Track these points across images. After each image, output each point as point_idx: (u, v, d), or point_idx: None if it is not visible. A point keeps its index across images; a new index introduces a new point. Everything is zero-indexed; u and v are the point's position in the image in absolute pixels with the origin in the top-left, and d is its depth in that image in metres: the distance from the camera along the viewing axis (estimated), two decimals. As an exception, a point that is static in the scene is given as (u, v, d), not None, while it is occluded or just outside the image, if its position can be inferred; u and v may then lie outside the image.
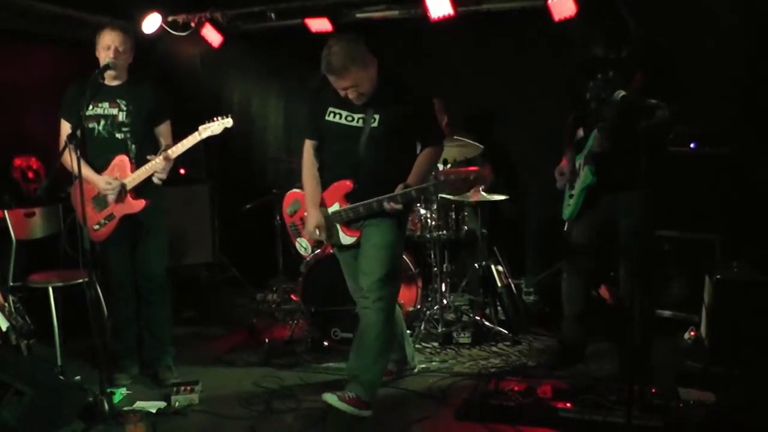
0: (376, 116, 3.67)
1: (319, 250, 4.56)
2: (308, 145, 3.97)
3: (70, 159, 3.82)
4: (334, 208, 3.81)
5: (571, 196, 4.30)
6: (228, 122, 4.25)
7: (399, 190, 3.60)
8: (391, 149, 3.68)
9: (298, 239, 4.21)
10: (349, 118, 3.72)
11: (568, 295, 4.48)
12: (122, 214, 4.25)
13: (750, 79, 5.15)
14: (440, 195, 4.99)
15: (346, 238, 3.85)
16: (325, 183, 3.87)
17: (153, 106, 4.29)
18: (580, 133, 4.34)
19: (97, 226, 4.27)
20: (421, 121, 3.73)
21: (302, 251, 4.28)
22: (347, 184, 3.75)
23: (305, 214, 3.98)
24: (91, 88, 3.98)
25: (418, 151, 3.82)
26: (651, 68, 3.92)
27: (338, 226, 3.84)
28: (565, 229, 4.44)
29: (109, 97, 4.21)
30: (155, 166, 4.17)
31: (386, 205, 3.61)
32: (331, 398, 3.68)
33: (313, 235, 3.90)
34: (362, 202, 3.70)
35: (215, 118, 4.24)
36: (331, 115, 3.76)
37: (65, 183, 5.15)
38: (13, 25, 5.73)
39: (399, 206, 3.61)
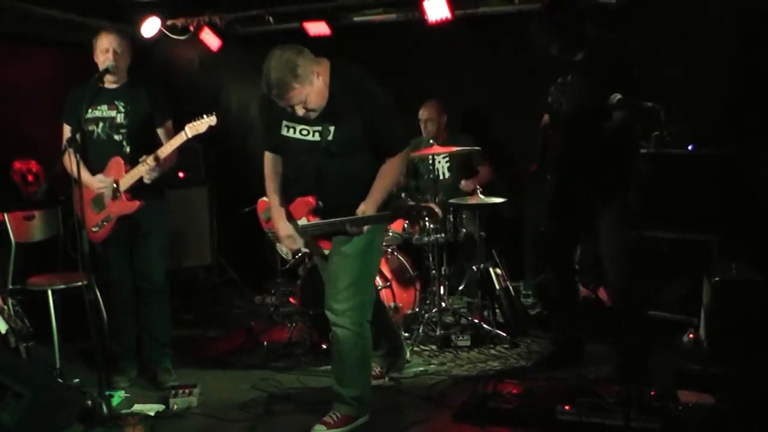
0: (332, 128, 3.43)
1: (299, 255, 4.54)
2: (268, 157, 3.76)
3: (70, 163, 3.82)
4: (302, 221, 3.64)
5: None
6: (212, 120, 4.22)
7: (360, 210, 3.42)
8: (351, 162, 3.48)
9: (278, 245, 4.19)
10: (304, 132, 3.51)
11: (557, 298, 4.52)
12: (118, 215, 4.26)
13: (747, 79, 5.15)
14: (437, 196, 5.03)
15: (320, 248, 3.73)
16: (290, 196, 3.69)
17: (151, 108, 4.30)
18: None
19: (95, 228, 4.28)
20: (380, 129, 3.45)
21: (284, 255, 4.26)
22: (311, 201, 3.58)
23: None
24: (90, 92, 3.99)
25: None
26: (608, 70, 3.95)
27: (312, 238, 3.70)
28: (544, 230, 4.50)
29: (108, 100, 4.23)
30: (145, 167, 4.17)
31: (348, 228, 3.44)
32: (320, 430, 3.61)
33: (290, 246, 3.73)
34: (326, 221, 3.54)
35: (200, 117, 4.22)
36: (286, 129, 3.55)
37: (64, 186, 5.16)
38: (13, 28, 5.74)
39: (357, 230, 3.43)
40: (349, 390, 3.67)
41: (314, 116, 3.41)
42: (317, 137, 3.47)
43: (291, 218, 3.68)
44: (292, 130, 3.53)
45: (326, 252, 3.70)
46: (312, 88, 3.31)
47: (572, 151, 4.12)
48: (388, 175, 3.51)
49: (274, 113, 3.53)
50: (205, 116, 4.22)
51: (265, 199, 4.30)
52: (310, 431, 3.62)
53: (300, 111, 3.34)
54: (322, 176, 3.51)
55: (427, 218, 3.37)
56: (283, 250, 4.13)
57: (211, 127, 4.24)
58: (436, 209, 3.46)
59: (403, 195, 3.46)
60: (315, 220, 3.60)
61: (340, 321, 3.57)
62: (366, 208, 3.43)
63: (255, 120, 5.55)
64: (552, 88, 4.21)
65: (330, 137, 3.44)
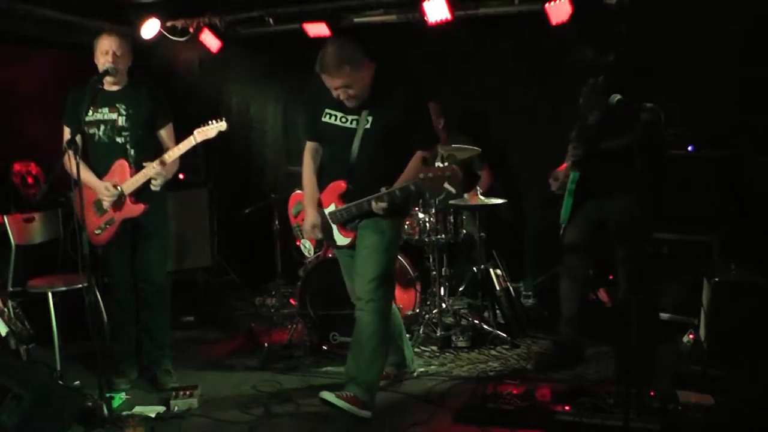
0: (369, 118, 3.72)
1: (320, 252, 4.57)
2: (308, 147, 4.03)
3: (70, 164, 3.83)
4: (331, 208, 3.87)
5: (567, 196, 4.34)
6: (222, 126, 4.24)
7: (383, 190, 3.65)
8: (384, 151, 3.73)
9: (302, 240, 4.24)
10: (344, 120, 3.78)
11: (564, 297, 4.51)
12: (122, 218, 4.26)
13: (747, 81, 5.16)
14: (438, 198, 5.02)
15: (341, 239, 3.90)
16: (323, 184, 3.94)
17: (152, 110, 4.30)
18: None
19: (98, 231, 4.28)
20: (414, 124, 3.74)
21: (305, 252, 4.32)
22: (342, 185, 3.82)
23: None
24: (90, 94, 3.99)
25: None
26: (637, 72, 3.95)
27: (335, 226, 3.89)
28: (561, 232, 4.47)
29: (109, 102, 4.23)
30: (152, 171, 4.18)
31: (373, 205, 3.67)
32: (328, 395, 3.73)
33: (310, 234, 3.97)
34: (354, 203, 3.76)
35: (210, 122, 4.24)
36: (327, 116, 3.82)
37: (64, 188, 5.17)
38: (12, 29, 5.74)
39: (384, 205, 3.65)
40: (363, 375, 3.80)
41: (355, 104, 3.71)
42: (354, 124, 3.75)
43: (320, 207, 3.92)
44: (333, 117, 3.81)
45: (345, 242, 3.89)
46: (359, 76, 3.62)
47: (599, 153, 4.11)
48: (417, 165, 3.74)
49: (318, 102, 3.84)
50: (214, 122, 4.24)
51: (299, 192, 4.48)
52: (319, 394, 3.78)
53: (343, 94, 3.65)
54: (354, 162, 3.76)
55: (448, 182, 3.50)
56: (306, 245, 4.21)
57: (220, 133, 4.25)
58: (457, 170, 3.59)
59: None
60: (342, 206, 3.81)
61: (368, 308, 3.79)
62: (398, 184, 3.67)
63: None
64: (583, 89, 4.21)
65: (367, 125, 3.73)
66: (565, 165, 4.39)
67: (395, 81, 3.78)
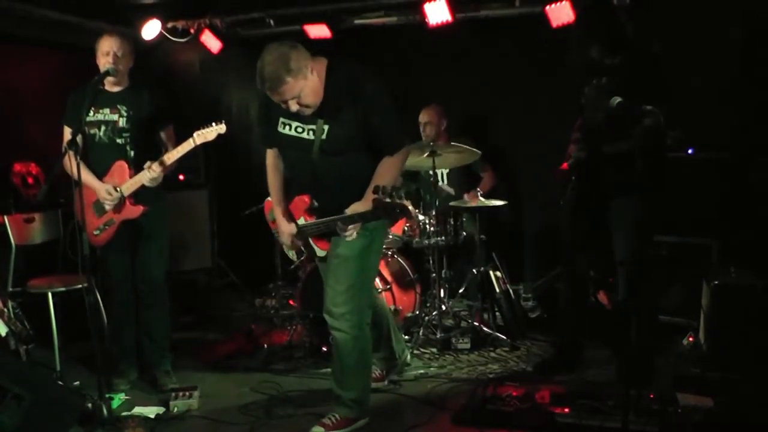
0: (326, 127, 3.40)
1: (303, 258, 4.55)
2: (269, 153, 3.76)
3: (70, 165, 3.83)
4: (301, 221, 3.68)
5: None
6: (222, 128, 4.22)
7: (350, 210, 3.38)
8: (346, 160, 3.45)
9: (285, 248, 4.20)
10: (299, 129, 3.47)
11: (564, 299, 4.51)
12: (121, 219, 4.26)
13: (746, 84, 5.16)
14: (437, 201, 5.03)
15: (319, 251, 3.73)
16: (290, 195, 3.71)
17: (153, 112, 4.30)
18: None
19: (97, 232, 4.28)
20: (377, 128, 3.39)
21: (291, 256, 4.27)
22: (305, 200, 3.61)
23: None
24: (90, 95, 3.98)
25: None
26: (642, 75, 3.94)
27: (310, 238, 3.71)
28: (563, 233, 4.48)
29: (110, 103, 4.23)
30: (151, 173, 4.18)
31: (338, 230, 3.39)
32: (318, 431, 3.63)
33: (288, 245, 3.81)
34: (322, 220, 3.53)
35: (209, 125, 4.23)
36: (282, 126, 3.52)
37: (64, 189, 5.17)
38: (12, 30, 5.74)
39: (348, 230, 3.37)
40: (348, 392, 3.68)
41: (308, 113, 3.36)
42: (311, 135, 3.43)
43: (291, 218, 3.71)
44: (288, 128, 3.50)
45: (322, 253, 3.71)
46: (306, 82, 3.25)
47: (601, 153, 4.10)
48: (385, 175, 3.42)
49: (272, 110, 3.50)
50: (214, 124, 4.22)
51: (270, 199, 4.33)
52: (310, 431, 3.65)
53: (294, 107, 3.30)
54: (317, 175, 3.49)
55: (402, 217, 3.36)
56: (290, 252, 4.16)
57: (219, 135, 4.24)
58: (410, 208, 3.42)
59: (402, 195, 3.38)
60: (311, 220, 3.61)
61: (338, 324, 3.57)
62: (357, 208, 3.37)
63: (254, 118, 5.60)
64: (586, 89, 4.18)
65: (324, 135, 3.40)
66: (566, 165, 4.38)
67: (351, 80, 3.38)
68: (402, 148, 3.51)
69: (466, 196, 5.38)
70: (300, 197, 3.63)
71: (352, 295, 3.53)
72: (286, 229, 3.69)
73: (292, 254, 4.16)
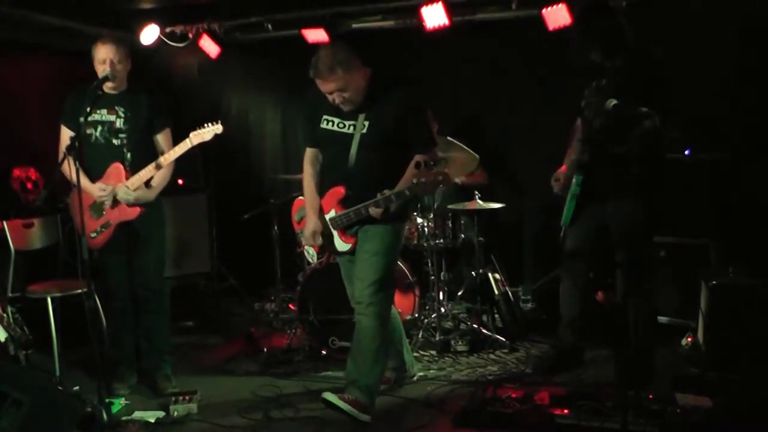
0: (366, 123, 3.73)
1: (323, 258, 4.58)
2: (307, 153, 4.05)
3: (69, 170, 3.83)
4: (331, 214, 3.88)
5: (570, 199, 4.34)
6: (218, 128, 4.24)
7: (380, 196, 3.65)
8: (381, 156, 3.73)
9: (306, 246, 4.24)
10: (341, 125, 3.79)
11: (564, 301, 4.51)
12: (118, 221, 4.27)
13: (743, 84, 5.17)
14: (437, 204, 5.04)
15: (342, 245, 3.90)
16: (323, 190, 3.94)
17: (151, 115, 4.30)
18: None
19: (94, 234, 4.28)
20: (411, 127, 3.73)
21: (309, 258, 4.34)
22: (340, 191, 3.82)
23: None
24: (89, 100, 4.00)
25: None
26: (642, 78, 3.95)
27: (335, 232, 3.89)
28: (562, 234, 4.47)
29: (108, 104, 4.23)
30: (148, 174, 4.19)
31: (371, 210, 3.67)
32: (331, 396, 3.76)
33: (310, 241, 3.99)
34: (352, 208, 3.76)
35: (205, 125, 4.24)
36: (325, 122, 3.83)
37: (64, 194, 5.17)
38: (12, 35, 5.75)
39: (380, 210, 3.65)
40: (363, 378, 3.83)
41: (350, 108, 3.71)
42: (351, 130, 3.76)
43: (321, 214, 3.93)
44: (330, 123, 3.82)
45: (345, 248, 3.88)
46: (353, 80, 3.63)
47: (600, 156, 4.11)
48: (412, 171, 3.69)
49: (316, 108, 3.85)
50: (210, 124, 4.24)
51: (301, 198, 4.48)
52: (322, 395, 3.79)
53: (339, 98, 3.66)
54: (352, 167, 3.76)
55: (442, 184, 3.53)
56: (310, 251, 4.23)
57: (216, 136, 4.26)
58: (449, 173, 3.67)
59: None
60: (342, 211, 3.81)
61: (366, 311, 3.81)
62: (397, 187, 3.66)
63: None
64: (586, 91, 4.20)
65: (364, 130, 3.72)
66: (565, 167, 4.38)
67: (391, 85, 3.77)
68: (433, 147, 3.85)
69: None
70: (334, 189, 3.86)
71: (379, 287, 3.79)
72: (311, 226, 3.93)
73: (311, 252, 4.22)
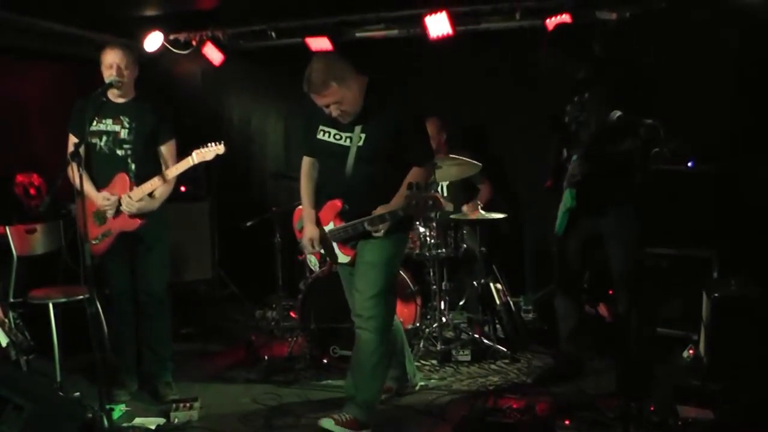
0: (363, 135, 3.65)
1: (325, 267, 4.58)
2: (305, 161, 4.00)
3: (73, 176, 3.84)
4: (330, 226, 3.84)
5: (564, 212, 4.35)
6: (220, 149, 4.29)
7: (377, 212, 3.60)
8: (379, 168, 3.67)
9: (308, 255, 4.24)
10: (337, 137, 3.73)
11: (560, 314, 4.52)
12: (119, 231, 4.27)
13: (746, 95, 5.18)
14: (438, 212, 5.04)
15: (342, 257, 3.87)
16: (320, 201, 3.90)
17: (155, 125, 4.31)
18: (565, 154, 4.37)
19: (95, 241, 4.28)
20: (408, 139, 3.67)
21: (312, 266, 4.34)
22: (337, 204, 3.78)
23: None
24: (93, 106, 4.01)
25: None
26: (625, 88, 3.97)
27: (335, 244, 3.86)
28: (554, 247, 4.49)
29: (113, 114, 4.24)
30: (152, 187, 4.22)
31: (367, 227, 3.63)
32: (327, 423, 3.70)
33: (308, 249, 3.94)
34: (350, 223, 3.72)
35: (208, 144, 4.28)
36: (321, 133, 3.78)
37: (66, 200, 5.18)
38: (15, 42, 5.77)
39: (378, 227, 3.61)
40: (361, 393, 3.79)
41: (347, 120, 3.65)
42: (348, 142, 3.68)
43: (319, 225, 3.89)
44: (327, 135, 3.75)
45: (345, 260, 3.85)
46: (348, 91, 3.56)
47: (589, 168, 4.12)
48: (417, 178, 3.65)
49: (313, 118, 3.78)
50: (214, 144, 4.28)
51: (301, 207, 4.40)
52: (319, 422, 3.73)
53: (335, 111, 3.58)
54: (349, 180, 3.70)
55: (433, 209, 3.57)
56: (312, 260, 4.22)
57: (218, 156, 4.29)
58: (441, 199, 3.63)
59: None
60: (340, 225, 3.77)
61: (366, 325, 3.76)
62: (389, 206, 3.60)
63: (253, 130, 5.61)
64: (568, 107, 4.21)
65: (361, 143, 3.65)
66: (549, 183, 4.39)
67: (388, 96, 3.69)
68: (430, 160, 3.82)
69: (464, 208, 5.39)
70: (331, 202, 3.81)
71: (379, 300, 3.73)
72: (310, 234, 3.87)
73: (313, 261, 4.21)
